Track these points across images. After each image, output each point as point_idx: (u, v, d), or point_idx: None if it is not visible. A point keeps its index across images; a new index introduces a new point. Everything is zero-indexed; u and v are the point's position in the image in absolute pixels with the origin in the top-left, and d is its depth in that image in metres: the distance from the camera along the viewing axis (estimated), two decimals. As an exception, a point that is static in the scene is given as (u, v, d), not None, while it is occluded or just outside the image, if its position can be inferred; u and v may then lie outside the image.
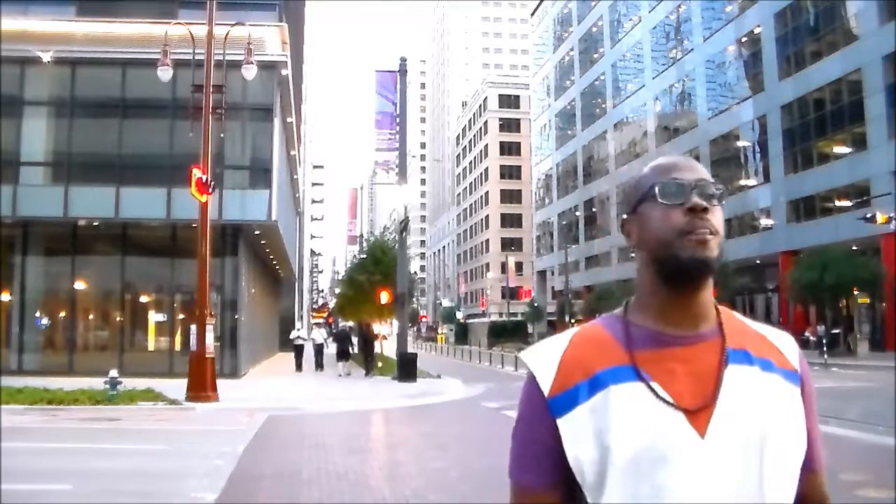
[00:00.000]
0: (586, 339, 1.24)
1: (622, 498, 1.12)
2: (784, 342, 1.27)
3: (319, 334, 34.14)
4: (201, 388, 16.44)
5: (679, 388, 1.15)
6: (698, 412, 1.13)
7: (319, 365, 30.25)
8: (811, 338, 33.49)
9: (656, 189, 1.21)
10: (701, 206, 1.18)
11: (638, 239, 1.26)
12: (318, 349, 31.26)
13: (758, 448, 1.13)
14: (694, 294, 1.21)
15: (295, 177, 40.15)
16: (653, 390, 1.14)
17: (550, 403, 1.18)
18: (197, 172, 17.35)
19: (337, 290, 52.87)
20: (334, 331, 48.00)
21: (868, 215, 28.73)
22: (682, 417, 1.13)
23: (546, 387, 1.19)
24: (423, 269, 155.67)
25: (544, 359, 1.23)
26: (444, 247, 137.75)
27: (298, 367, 29.74)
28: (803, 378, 1.24)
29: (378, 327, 34.88)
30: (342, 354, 27.41)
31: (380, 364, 29.92)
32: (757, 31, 44.16)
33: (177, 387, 16.70)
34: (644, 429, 1.12)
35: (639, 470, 1.11)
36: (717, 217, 1.20)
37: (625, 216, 1.30)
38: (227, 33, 18.42)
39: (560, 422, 1.17)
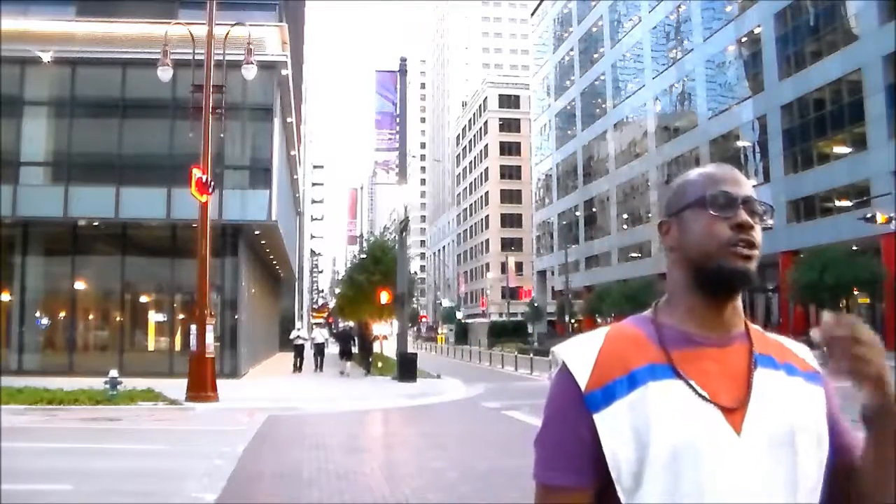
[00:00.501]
0: (621, 336, 1.25)
1: (661, 495, 1.13)
2: (801, 349, 1.32)
3: (320, 334, 32.69)
4: (201, 388, 16.45)
5: (714, 386, 1.18)
6: (734, 411, 1.16)
7: (319, 366, 29.40)
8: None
9: (707, 199, 1.24)
10: (749, 223, 1.23)
11: (677, 242, 1.28)
12: (319, 349, 30.21)
13: (790, 446, 1.17)
14: (728, 300, 1.25)
15: (295, 177, 40.15)
16: (692, 387, 1.17)
17: (587, 399, 1.18)
18: (197, 172, 17.36)
19: (337, 290, 52.88)
20: (335, 331, 48.01)
21: (868, 215, 28.71)
22: (720, 415, 1.16)
23: (583, 381, 1.19)
24: (423, 269, 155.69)
25: (580, 353, 1.23)
26: (444, 247, 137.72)
27: (297, 367, 28.94)
28: (825, 379, 1.28)
29: (379, 327, 34.96)
30: (344, 353, 28.07)
31: (380, 364, 29.94)
32: (757, 31, 44.16)
33: (177, 387, 16.70)
34: (683, 426, 1.14)
35: (678, 466, 1.13)
36: (759, 234, 1.24)
37: (664, 217, 1.32)
38: (227, 33, 18.42)
39: (597, 417, 1.17)
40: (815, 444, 1.20)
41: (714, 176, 1.27)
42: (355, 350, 29.31)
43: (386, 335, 36.90)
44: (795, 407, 1.20)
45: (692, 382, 1.17)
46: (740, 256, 1.21)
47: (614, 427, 1.15)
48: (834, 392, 1.29)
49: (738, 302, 1.26)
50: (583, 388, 1.19)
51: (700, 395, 1.16)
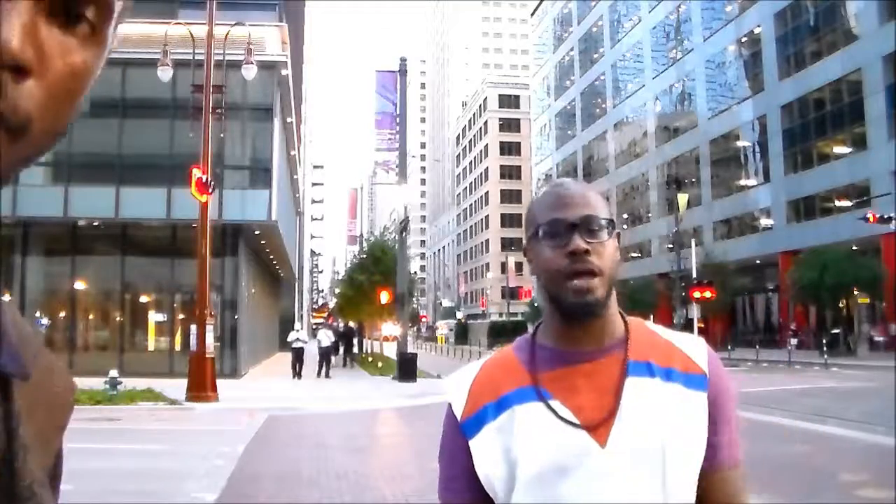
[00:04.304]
0: (496, 363, 1.32)
1: None
2: (693, 345, 1.29)
3: (326, 336, 27.96)
4: (201, 388, 16.44)
5: (581, 402, 1.20)
6: (599, 425, 1.18)
7: (325, 373, 26.10)
8: (880, 338, 33.10)
9: (540, 230, 1.24)
10: (581, 249, 1.19)
11: (535, 269, 1.28)
12: (325, 354, 26.73)
13: (659, 455, 1.17)
14: (590, 322, 1.24)
15: (295, 177, 40.16)
16: (552, 409, 1.20)
17: (463, 427, 1.26)
18: (197, 172, 17.36)
19: (337, 290, 52.90)
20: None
21: (868, 215, 28.77)
22: (583, 432, 1.18)
23: (459, 411, 1.27)
24: (423, 269, 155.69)
25: (457, 385, 1.31)
26: (444, 247, 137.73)
27: (297, 373, 25.43)
28: (713, 379, 1.25)
29: (387, 328, 35.15)
30: (334, 349, 28.94)
31: (380, 364, 29.98)
32: (757, 31, 44.17)
33: (177, 387, 16.70)
34: (547, 445, 1.18)
35: (542, 482, 1.17)
36: (602, 254, 1.21)
37: (525, 242, 1.33)
38: (227, 33, 18.43)
39: (472, 443, 1.24)
40: (686, 451, 1.19)
41: (550, 200, 1.25)
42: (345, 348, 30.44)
43: (396, 336, 37.08)
44: (667, 415, 1.19)
45: (552, 403, 1.20)
46: (577, 290, 1.19)
47: (486, 450, 1.22)
48: (724, 390, 1.26)
49: (609, 314, 1.25)
50: (459, 417, 1.26)
51: (558, 416, 1.19)
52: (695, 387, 1.23)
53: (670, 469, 1.17)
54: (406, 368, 23.78)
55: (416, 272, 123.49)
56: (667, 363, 1.25)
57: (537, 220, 1.26)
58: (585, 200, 1.24)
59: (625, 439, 1.17)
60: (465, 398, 1.27)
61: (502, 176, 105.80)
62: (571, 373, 1.23)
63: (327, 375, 25.89)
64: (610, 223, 1.23)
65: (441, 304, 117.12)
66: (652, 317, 35.52)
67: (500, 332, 64.64)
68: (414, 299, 66.06)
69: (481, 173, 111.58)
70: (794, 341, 36.54)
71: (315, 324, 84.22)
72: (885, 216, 28.31)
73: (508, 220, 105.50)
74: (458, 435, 1.25)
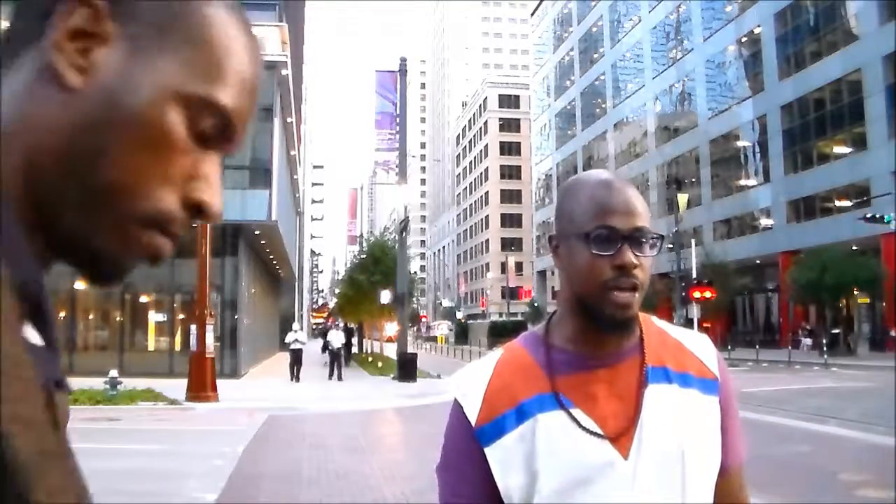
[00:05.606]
0: (510, 364, 1.26)
1: None
2: (702, 347, 1.29)
3: (336, 337, 26.13)
4: (201, 388, 16.46)
5: (602, 412, 1.18)
6: (620, 436, 1.17)
7: (338, 375, 24.93)
8: None
9: (590, 236, 1.18)
10: (631, 263, 1.16)
11: (565, 265, 1.24)
12: (335, 356, 25.50)
13: (679, 464, 1.17)
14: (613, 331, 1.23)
15: (295, 177, 40.16)
16: (575, 420, 1.17)
17: (477, 433, 1.21)
18: (197, 172, 17.35)
19: (337, 290, 52.91)
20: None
21: (868, 215, 28.76)
22: (605, 442, 1.17)
23: (473, 416, 1.22)
24: (423, 269, 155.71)
25: (470, 388, 1.25)
26: (444, 247, 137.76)
27: (295, 376, 24.03)
28: (722, 383, 1.26)
29: (389, 328, 35.15)
30: (325, 348, 29.49)
31: (380, 364, 29.99)
32: (757, 31, 44.17)
33: (177, 387, 16.70)
34: (570, 457, 1.16)
35: (564, 494, 1.15)
36: (645, 268, 1.18)
37: (554, 234, 1.28)
38: (227, 33, 18.43)
39: (488, 451, 1.20)
40: (704, 458, 1.20)
41: (602, 205, 1.19)
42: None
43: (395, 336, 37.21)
44: (686, 423, 1.19)
45: (575, 414, 1.18)
46: (618, 305, 1.16)
47: (505, 459, 1.18)
48: (730, 395, 1.27)
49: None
50: (473, 422, 1.22)
51: (582, 427, 1.17)
52: (709, 392, 1.24)
53: (690, 476, 1.17)
54: (406, 368, 23.78)
55: (416, 272, 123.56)
56: (681, 368, 1.24)
57: (584, 220, 1.19)
58: (635, 208, 1.19)
59: (646, 449, 1.17)
60: (480, 403, 1.22)
61: (502, 176, 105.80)
62: (591, 379, 1.21)
63: (339, 378, 24.62)
64: (656, 241, 1.20)
65: (441, 304, 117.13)
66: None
67: (500, 332, 64.69)
68: (414, 299, 66.11)
69: (481, 173, 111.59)
70: (808, 341, 36.25)
71: (315, 324, 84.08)
72: (885, 216, 28.30)
73: (508, 220, 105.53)
74: (472, 440, 1.21)
